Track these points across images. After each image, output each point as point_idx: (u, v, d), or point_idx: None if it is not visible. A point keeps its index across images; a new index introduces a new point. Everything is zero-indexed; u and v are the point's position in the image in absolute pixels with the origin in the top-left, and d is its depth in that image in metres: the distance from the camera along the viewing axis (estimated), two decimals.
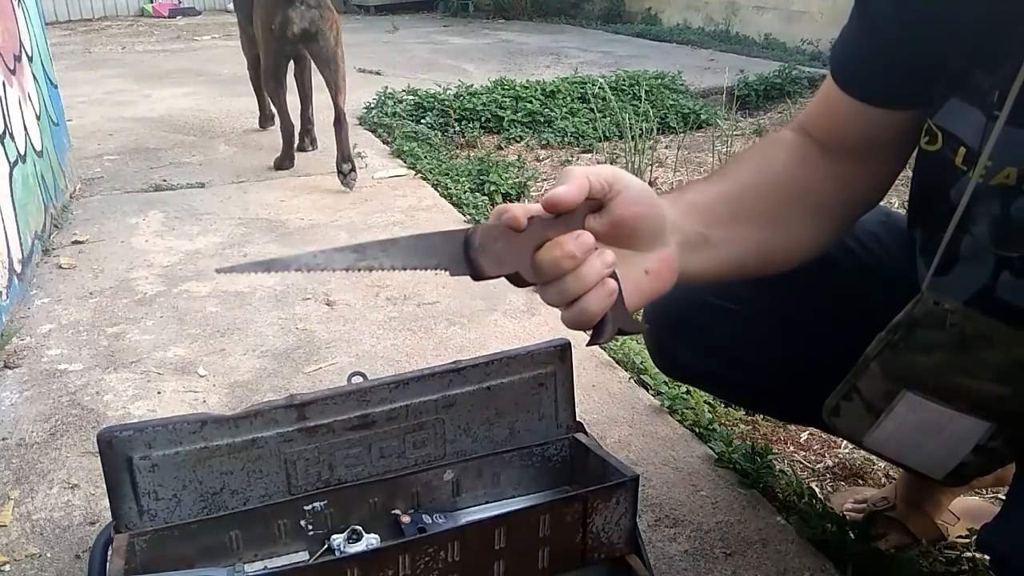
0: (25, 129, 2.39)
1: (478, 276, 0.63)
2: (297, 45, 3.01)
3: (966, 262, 0.79)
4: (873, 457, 1.45)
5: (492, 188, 2.92)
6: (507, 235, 0.63)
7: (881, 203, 0.92)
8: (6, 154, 2.13)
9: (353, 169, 3.01)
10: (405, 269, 0.63)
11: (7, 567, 1.20)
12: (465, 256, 0.63)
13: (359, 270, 0.62)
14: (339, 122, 2.98)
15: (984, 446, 0.81)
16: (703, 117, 4.02)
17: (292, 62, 3.24)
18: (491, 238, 0.63)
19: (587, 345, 0.71)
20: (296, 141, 3.39)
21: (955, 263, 0.80)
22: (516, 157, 3.46)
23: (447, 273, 0.63)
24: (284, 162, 3.29)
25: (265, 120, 3.82)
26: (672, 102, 4.14)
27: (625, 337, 1.85)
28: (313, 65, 3.19)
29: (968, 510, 1.27)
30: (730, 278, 0.79)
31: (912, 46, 0.76)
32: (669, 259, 0.69)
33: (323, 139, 3.52)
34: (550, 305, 0.65)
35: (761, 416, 1.57)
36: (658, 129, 3.71)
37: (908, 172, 0.88)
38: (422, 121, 3.89)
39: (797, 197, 0.81)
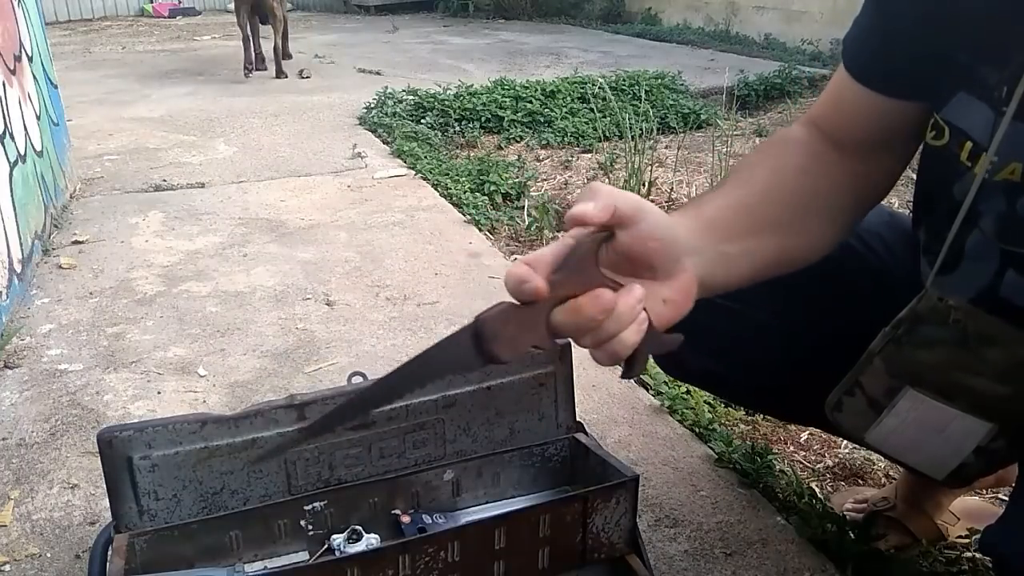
0: (25, 129, 2.39)
1: (499, 363, 0.61)
2: (252, 4, 5.14)
3: (970, 260, 0.79)
4: (873, 457, 1.45)
5: (492, 188, 2.92)
6: (517, 313, 0.59)
7: (882, 203, 0.92)
8: (6, 154, 2.13)
9: (286, 77, 5.21)
10: (426, 386, 0.62)
11: (7, 567, 1.19)
12: (478, 349, 0.60)
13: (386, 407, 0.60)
14: (279, 52, 5.27)
15: (985, 447, 0.81)
16: (703, 117, 4.02)
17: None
18: (501, 323, 0.59)
19: (622, 377, 0.70)
20: (254, 56, 5.38)
21: (959, 262, 0.80)
22: (516, 157, 3.46)
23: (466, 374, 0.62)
24: (246, 66, 5.20)
25: (248, 63, 5.31)
26: (672, 102, 4.14)
27: None
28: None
29: (968, 511, 1.27)
30: (748, 285, 0.79)
31: (926, 36, 0.76)
32: (687, 285, 0.68)
33: (328, 138, 3.69)
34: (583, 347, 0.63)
35: (761, 416, 1.57)
36: (658, 129, 3.70)
37: (911, 173, 0.88)
38: (422, 121, 3.89)
39: (811, 199, 0.80)
